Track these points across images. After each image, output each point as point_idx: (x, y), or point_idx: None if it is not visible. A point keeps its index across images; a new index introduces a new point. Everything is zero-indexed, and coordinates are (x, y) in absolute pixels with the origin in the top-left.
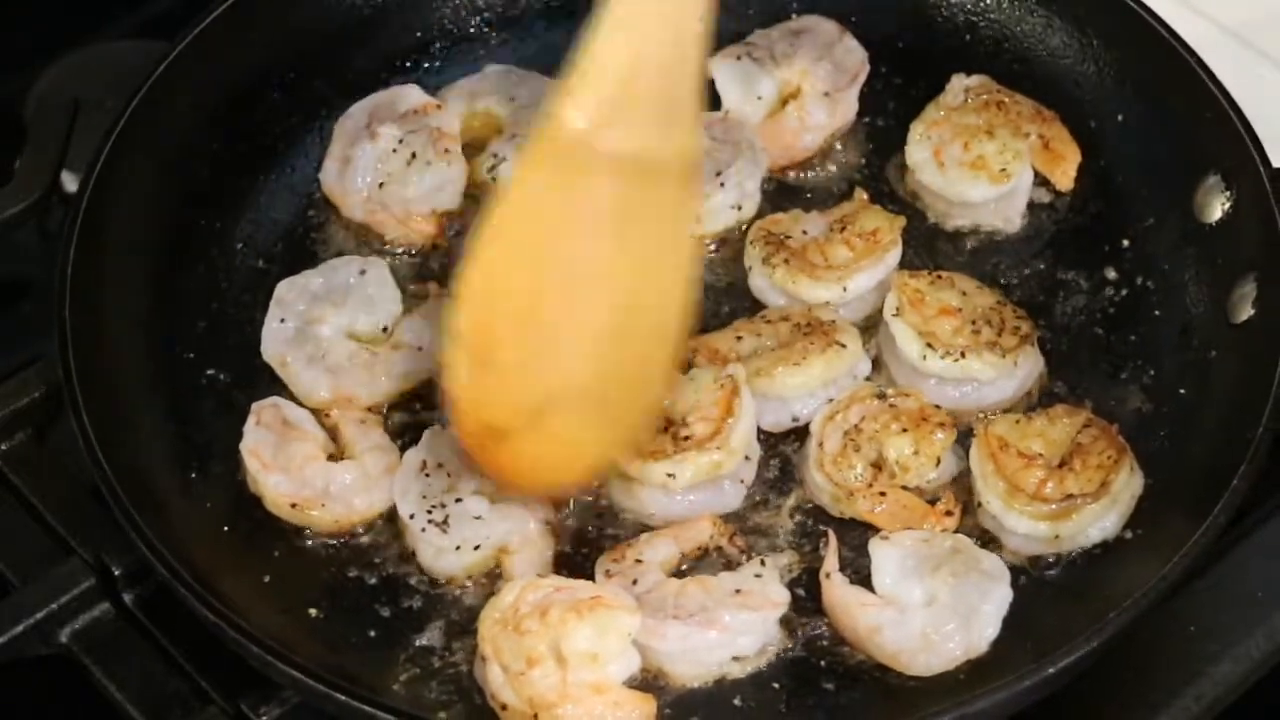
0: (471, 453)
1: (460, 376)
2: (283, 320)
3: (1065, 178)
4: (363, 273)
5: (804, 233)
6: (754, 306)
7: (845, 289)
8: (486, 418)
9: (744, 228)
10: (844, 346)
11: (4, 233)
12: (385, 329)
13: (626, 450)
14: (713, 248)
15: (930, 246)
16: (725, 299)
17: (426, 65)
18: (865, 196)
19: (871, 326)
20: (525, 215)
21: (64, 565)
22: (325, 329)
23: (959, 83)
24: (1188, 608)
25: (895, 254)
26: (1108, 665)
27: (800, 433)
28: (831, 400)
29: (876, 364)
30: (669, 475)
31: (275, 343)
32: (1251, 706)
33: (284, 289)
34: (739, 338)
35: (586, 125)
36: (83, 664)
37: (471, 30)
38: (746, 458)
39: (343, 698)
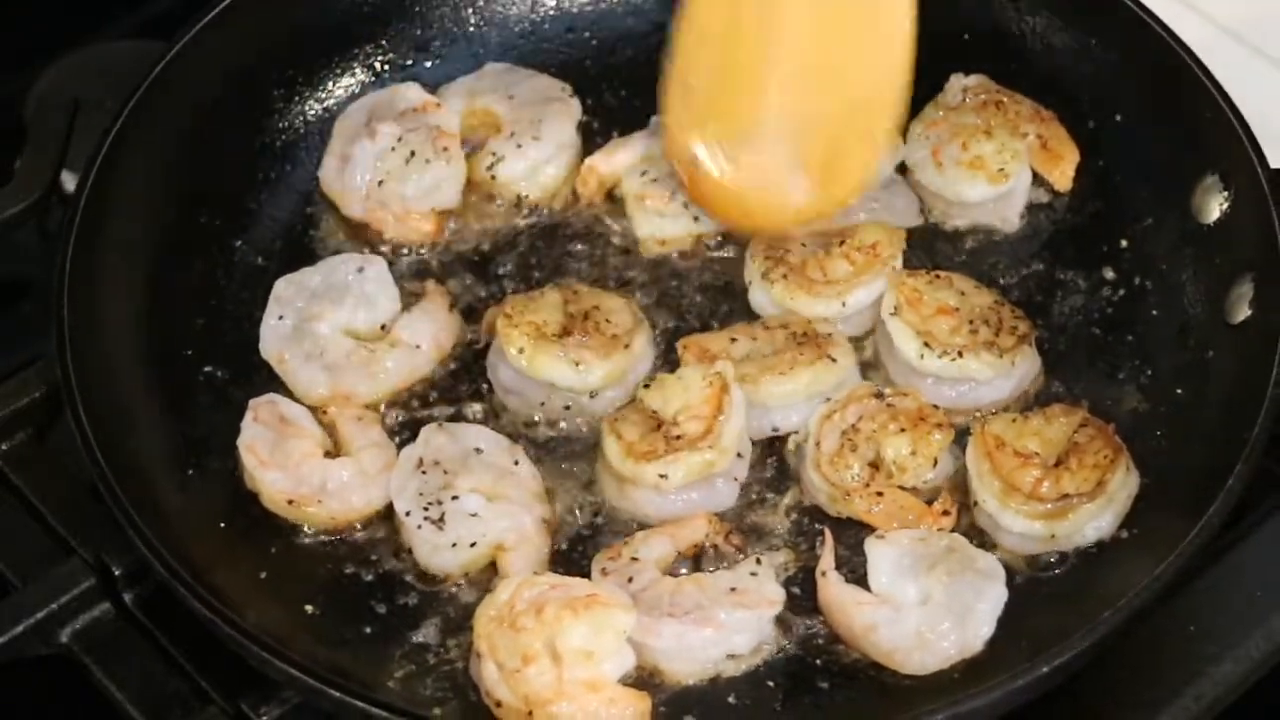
0: (681, 178)
1: (673, 102)
2: (281, 317)
3: (1063, 178)
4: (361, 270)
5: (804, 245)
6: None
7: (844, 304)
8: (693, 142)
9: None
10: (834, 361)
11: (4, 233)
12: (383, 327)
13: (829, 205)
14: (716, 241)
15: (929, 246)
16: (724, 299)
17: (426, 63)
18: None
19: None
20: None
21: (64, 565)
22: (323, 326)
23: (957, 82)
24: (1188, 608)
25: (896, 267)
26: (1108, 665)
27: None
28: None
29: (874, 363)
30: (661, 476)
31: (273, 340)
32: (1251, 706)
33: (282, 286)
34: (733, 340)
35: None
36: (83, 664)
37: (471, 28)
38: (739, 455)
39: (337, 694)
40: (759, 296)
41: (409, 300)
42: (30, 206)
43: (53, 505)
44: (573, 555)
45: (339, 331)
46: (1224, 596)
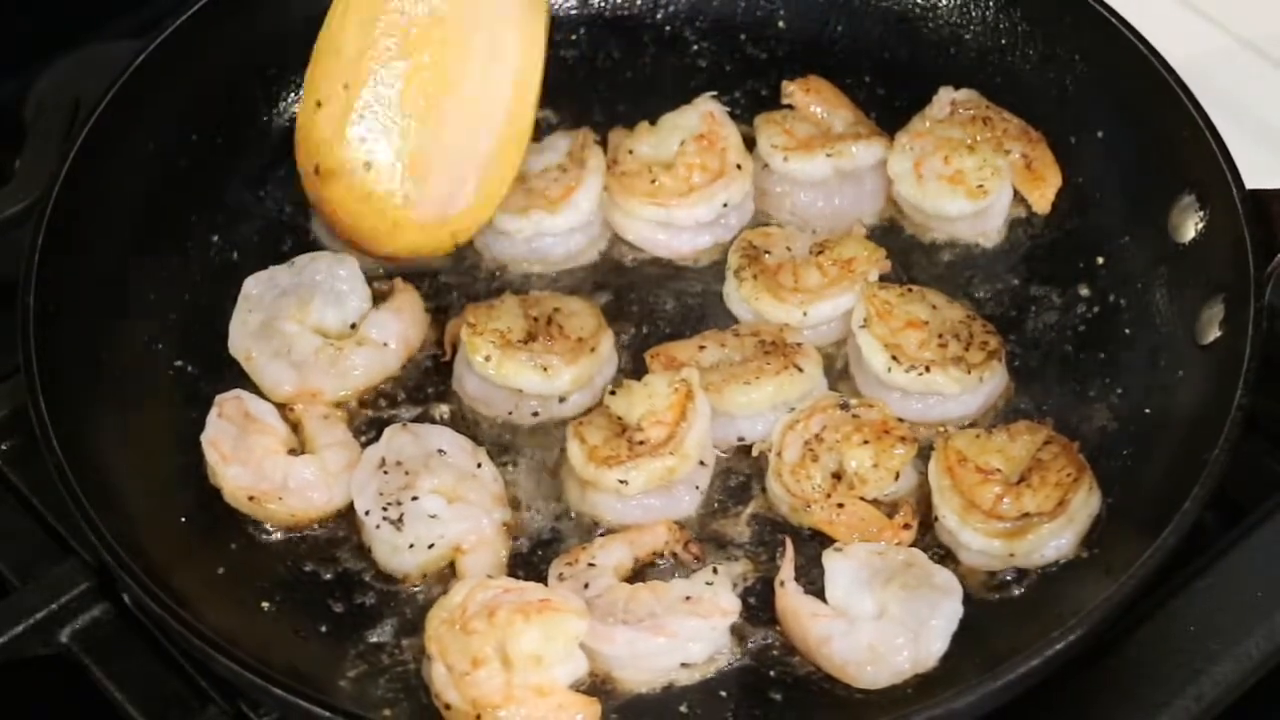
0: (305, 189)
1: (303, 112)
2: (250, 312)
3: (1043, 200)
4: (332, 270)
5: (787, 250)
6: (730, 318)
7: (805, 314)
8: (315, 154)
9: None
10: (800, 371)
11: (4, 232)
12: (353, 326)
13: (436, 237)
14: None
15: (905, 259)
16: (704, 306)
17: None
18: (863, 231)
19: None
20: None
21: (64, 565)
22: (291, 325)
23: (946, 95)
24: (1188, 608)
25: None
26: (1108, 665)
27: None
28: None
29: (846, 374)
30: (622, 481)
31: (241, 336)
32: (1251, 706)
33: (251, 284)
34: (702, 348)
35: None
36: (83, 664)
37: None
38: (702, 463)
39: (280, 692)
40: (729, 289)
41: (380, 300)
42: (30, 206)
43: (53, 505)
44: (533, 559)
45: (307, 330)
46: (1224, 596)
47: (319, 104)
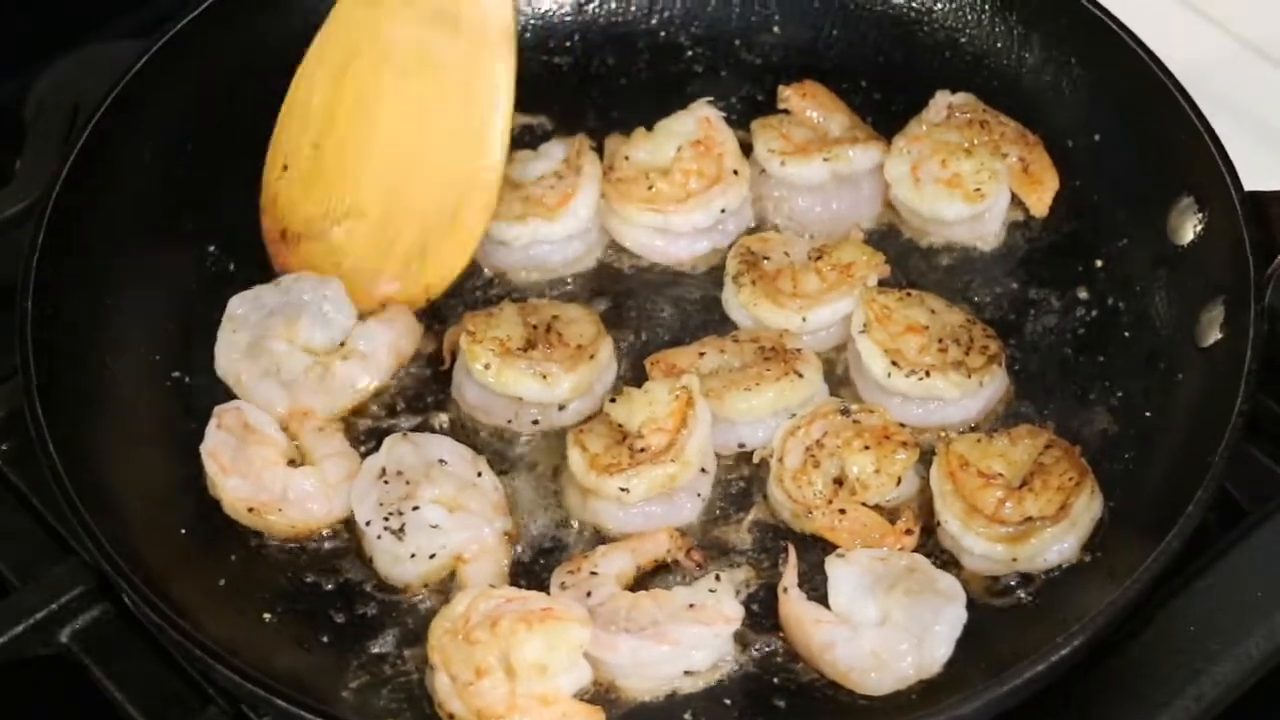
0: (271, 256)
1: (269, 177)
2: (235, 332)
3: (1040, 204)
4: (319, 289)
5: (786, 255)
6: (728, 324)
7: (804, 319)
8: (283, 218)
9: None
10: (800, 376)
11: (4, 232)
12: (342, 344)
13: (416, 294)
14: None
15: (904, 263)
16: (703, 312)
17: None
18: (861, 235)
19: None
20: (340, 43)
21: (64, 565)
22: (280, 344)
23: (943, 99)
24: (1188, 608)
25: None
26: (1108, 665)
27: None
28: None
29: (847, 379)
30: (623, 489)
31: (228, 357)
32: (1251, 706)
33: (236, 304)
34: (702, 354)
35: None
36: (83, 664)
37: None
38: (703, 470)
39: (283, 703)
40: (728, 295)
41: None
42: (30, 206)
43: (53, 505)
44: (535, 567)
45: (296, 348)
46: (1224, 596)
47: (285, 167)
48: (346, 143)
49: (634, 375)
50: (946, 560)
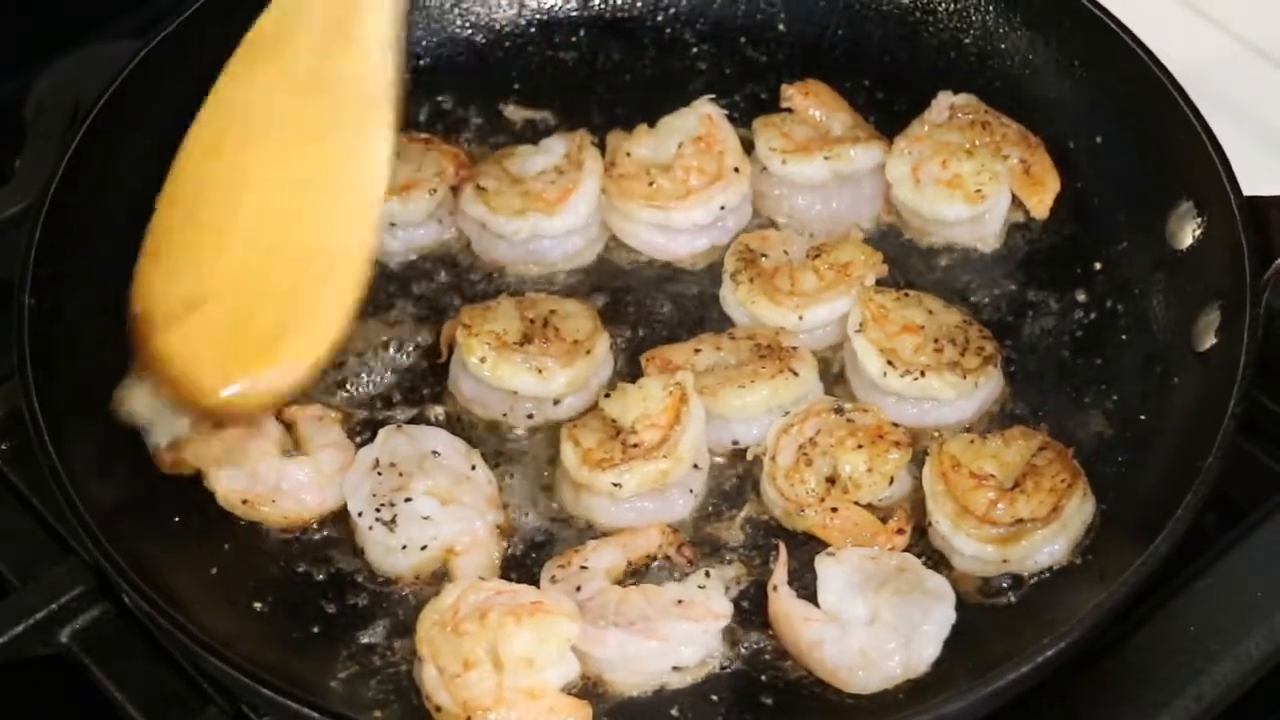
0: (138, 348)
1: (139, 265)
2: None
3: (1041, 206)
4: None
5: (784, 253)
6: (726, 321)
7: (801, 318)
8: (146, 304)
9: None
10: (795, 374)
11: (3, 232)
12: None
13: (280, 383)
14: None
15: (903, 263)
16: (701, 309)
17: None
18: (861, 235)
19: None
20: (214, 123)
21: (64, 565)
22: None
23: (945, 99)
24: (1188, 608)
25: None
26: (1108, 665)
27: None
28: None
29: (843, 378)
30: (615, 485)
31: None
32: (1251, 706)
33: None
34: (697, 350)
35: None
36: (83, 664)
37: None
38: (696, 466)
39: (270, 694)
40: (725, 292)
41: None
42: (30, 206)
43: (52, 505)
44: (526, 561)
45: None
46: (1224, 596)
47: (156, 251)
48: (209, 224)
49: (631, 371)
50: (937, 560)
